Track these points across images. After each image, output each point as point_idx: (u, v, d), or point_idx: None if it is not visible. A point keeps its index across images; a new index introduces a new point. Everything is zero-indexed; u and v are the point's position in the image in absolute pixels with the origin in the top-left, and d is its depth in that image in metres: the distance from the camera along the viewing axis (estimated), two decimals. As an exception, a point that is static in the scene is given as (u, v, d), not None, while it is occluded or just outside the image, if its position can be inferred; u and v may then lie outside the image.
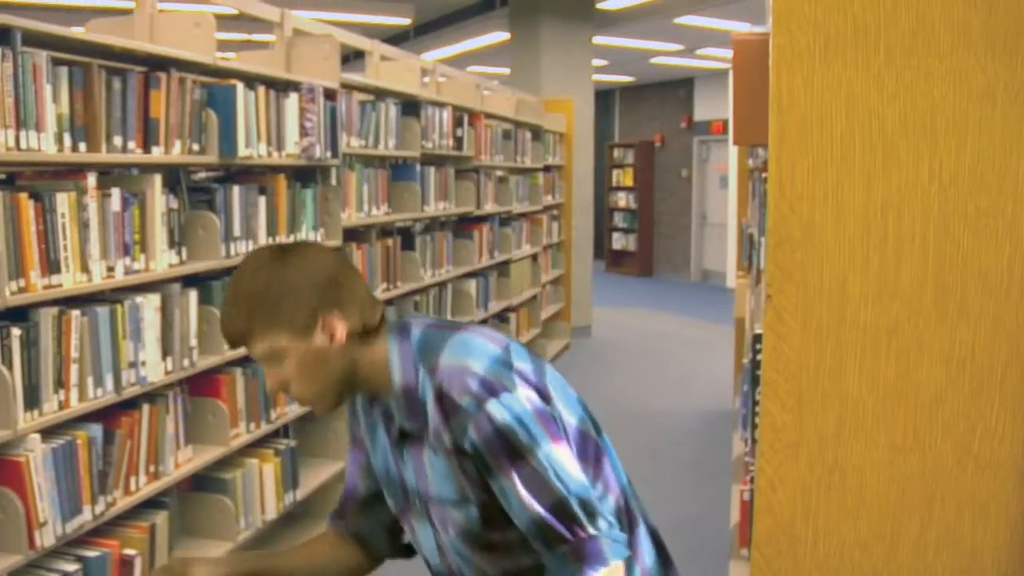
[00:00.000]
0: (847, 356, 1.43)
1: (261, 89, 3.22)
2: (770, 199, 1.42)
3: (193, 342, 2.90)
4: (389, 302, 4.50)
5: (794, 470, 1.44)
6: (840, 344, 1.43)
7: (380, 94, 4.40)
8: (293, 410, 3.49)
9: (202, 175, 3.43)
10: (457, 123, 5.35)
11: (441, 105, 5.10)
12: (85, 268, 2.46)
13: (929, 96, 1.36)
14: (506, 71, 9.20)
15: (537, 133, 7.57)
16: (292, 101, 3.41)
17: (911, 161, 1.38)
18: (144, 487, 2.71)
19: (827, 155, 1.40)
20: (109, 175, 2.72)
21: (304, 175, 3.64)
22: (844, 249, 1.41)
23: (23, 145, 2.27)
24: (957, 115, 1.35)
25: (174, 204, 2.82)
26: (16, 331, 2.25)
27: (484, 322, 6.07)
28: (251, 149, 3.15)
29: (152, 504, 2.77)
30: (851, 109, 1.38)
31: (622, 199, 14.24)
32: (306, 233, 3.53)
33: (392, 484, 1.53)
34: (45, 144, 2.34)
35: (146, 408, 2.72)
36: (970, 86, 1.34)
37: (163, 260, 2.76)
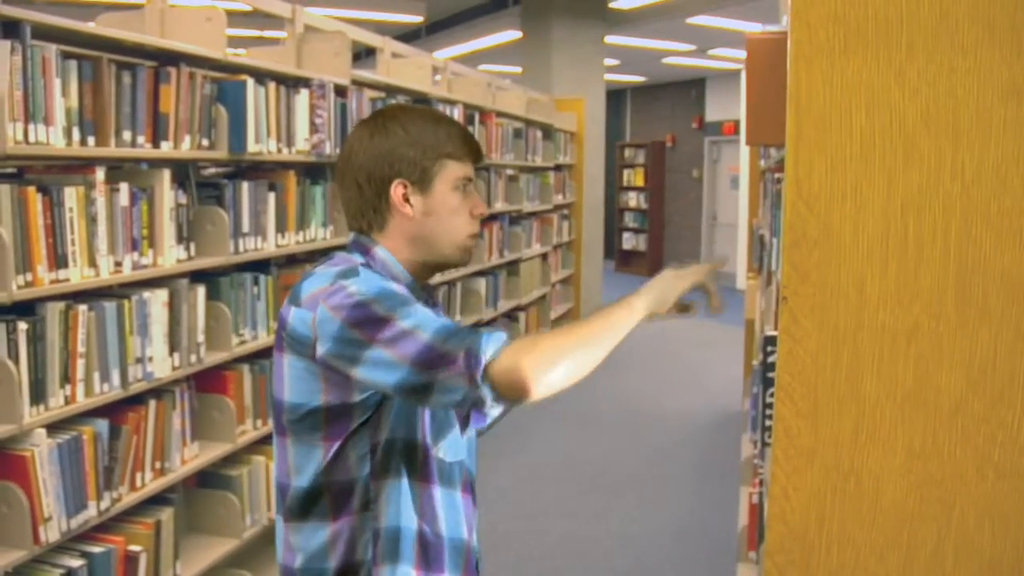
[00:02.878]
0: (864, 360, 1.39)
1: (271, 85, 3.20)
2: (786, 198, 1.39)
3: (200, 338, 2.89)
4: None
5: (808, 477, 1.41)
6: (857, 347, 1.39)
7: (391, 91, 4.38)
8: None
9: (211, 171, 3.42)
10: (468, 121, 5.32)
11: (452, 103, 5.07)
12: (93, 263, 2.44)
13: (952, 93, 1.32)
14: (518, 70, 9.18)
15: (548, 132, 7.54)
16: (302, 97, 3.39)
17: (933, 159, 1.34)
18: (150, 483, 2.69)
19: (846, 153, 1.36)
20: (118, 169, 2.71)
21: (314, 172, 3.62)
22: (862, 249, 1.37)
23: (32, 139, 2.26)
24: (981, 113, 1.31)
25: (183, 199, 2.81)
26: (23, 325, 2.23)
27: (493, 321, 6.04)
28: (261, 145, 3.14)
29: (158, 500, 2.76)
30: (871, 105, 1.35)
31: (632, 199, 14.18)
32: (315, 230, 3.52)
33: None
34: (54, 138, 2.32)
35: (153, 404, 2.70)
36: (995, 83, 1.30)
37: (171, 255, 2.75)
